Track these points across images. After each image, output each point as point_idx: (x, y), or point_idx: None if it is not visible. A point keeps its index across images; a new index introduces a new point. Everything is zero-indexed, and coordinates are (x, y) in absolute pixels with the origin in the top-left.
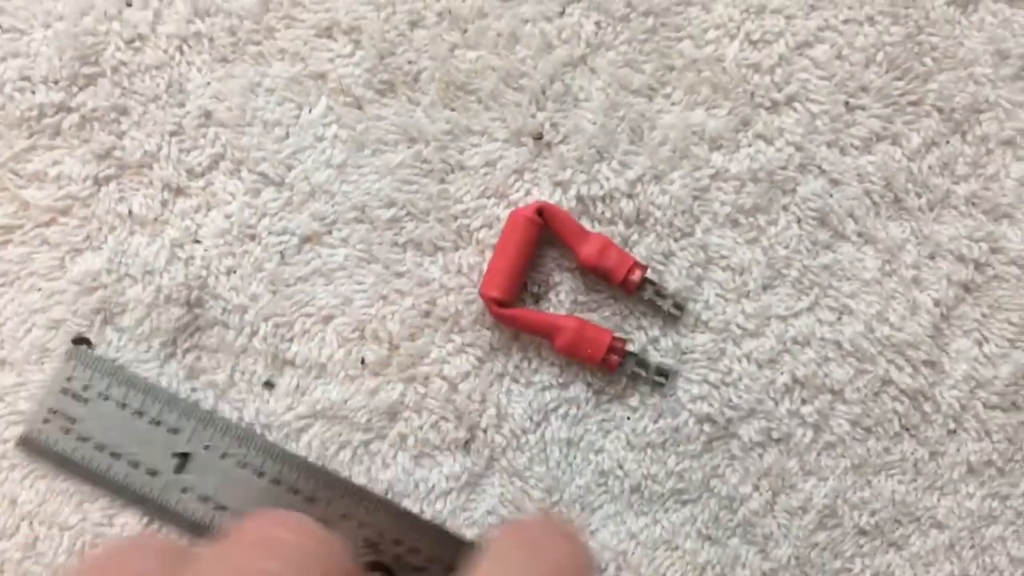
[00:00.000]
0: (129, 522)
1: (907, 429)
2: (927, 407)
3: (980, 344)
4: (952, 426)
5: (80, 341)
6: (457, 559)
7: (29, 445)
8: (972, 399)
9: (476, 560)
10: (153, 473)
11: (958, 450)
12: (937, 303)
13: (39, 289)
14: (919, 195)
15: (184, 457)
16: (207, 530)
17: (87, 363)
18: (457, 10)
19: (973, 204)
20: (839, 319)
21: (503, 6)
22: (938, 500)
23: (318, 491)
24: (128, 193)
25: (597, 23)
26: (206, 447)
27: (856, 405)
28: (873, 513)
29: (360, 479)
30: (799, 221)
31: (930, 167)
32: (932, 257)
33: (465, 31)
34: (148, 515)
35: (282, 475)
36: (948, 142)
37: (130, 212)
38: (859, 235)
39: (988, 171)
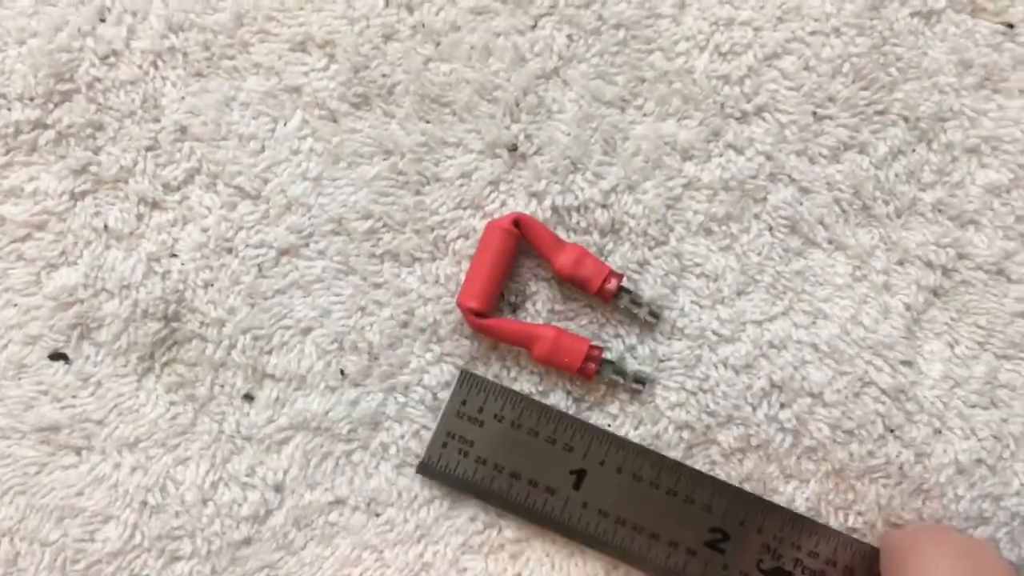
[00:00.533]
0: (111, 537)
1: (891, 430)
2: (910, 406)
3: (952, 346)
4: (937, 425)
5: (57, 356)
6: (854, 561)
7: (428, 470)
8: (953, 398)
9: (897, 568)
10: (552, 491)
11: (944, 451)
12: (908, 307)
13: (15, 304)
14: (887, 202)
15: (580, 474)
16: (607, 545)
17: (481, 387)
18: (431, 24)
19: (939, 211)
20: (814, 323)
21: (476, 20)
22: (923, 503)
23: (714, 500)
24: (104, 208)
25: (569, 36)
26: (601, 463)
27: (836, 407)
28: (860, 514)
29: (342, 490)
30: (771, 229)
31: (897, 175)
32: (901, 263)
33: (439, 44)
34: (554, 532)
35: (677, 487)
36: (914, 150)
37: (106, 226)
38: (829, 242)
39: (954, 178)
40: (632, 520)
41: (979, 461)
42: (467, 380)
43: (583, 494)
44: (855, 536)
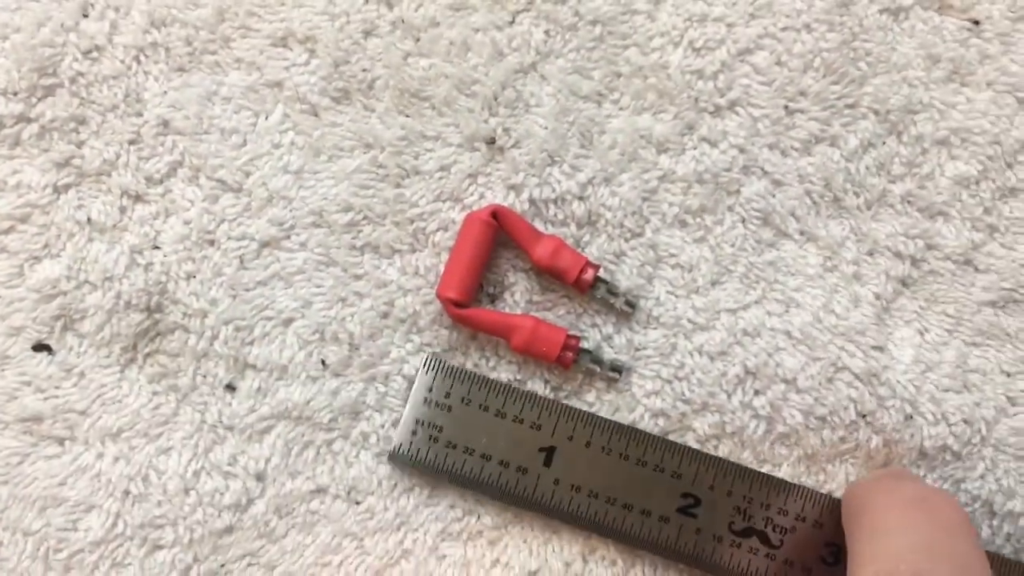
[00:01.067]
0: (93, 527)
1: (863, 416)
2: (882, 391)
3: (922, 333)
4: (909, 411)
5: (40, 348)
6: (823, 516)
7: (399, 459)
8: (925, 382)
9: (854, 519)
10: (523, 471)
11: (912, 436)
12: (878, 296)
13: None
14: (857, 194)
15: (550, 451)
16: (582, 519)
17: (447, 372)
18: (410, 19)
19: (909, 202)
20: (787, 311)
21: (455, 15)
22: None
23: (683, 467)
24: (87, 201)
25: (546, 32)
26: (569, 438)
27: (810, 393)
28: (830, 493)
29: (323, 479)
30: (744, 221)
31: (867, 167)
32: (871, 254)
33: (418, 40)
34: (529, 511)
35: (646, 456)
36: (884, 143)
37: (89, 219)
38: (801, 233)
39: (923, 170)
40: (604, 493)
41: (944, 447)
42: (433, 365)
43: (554, 471)
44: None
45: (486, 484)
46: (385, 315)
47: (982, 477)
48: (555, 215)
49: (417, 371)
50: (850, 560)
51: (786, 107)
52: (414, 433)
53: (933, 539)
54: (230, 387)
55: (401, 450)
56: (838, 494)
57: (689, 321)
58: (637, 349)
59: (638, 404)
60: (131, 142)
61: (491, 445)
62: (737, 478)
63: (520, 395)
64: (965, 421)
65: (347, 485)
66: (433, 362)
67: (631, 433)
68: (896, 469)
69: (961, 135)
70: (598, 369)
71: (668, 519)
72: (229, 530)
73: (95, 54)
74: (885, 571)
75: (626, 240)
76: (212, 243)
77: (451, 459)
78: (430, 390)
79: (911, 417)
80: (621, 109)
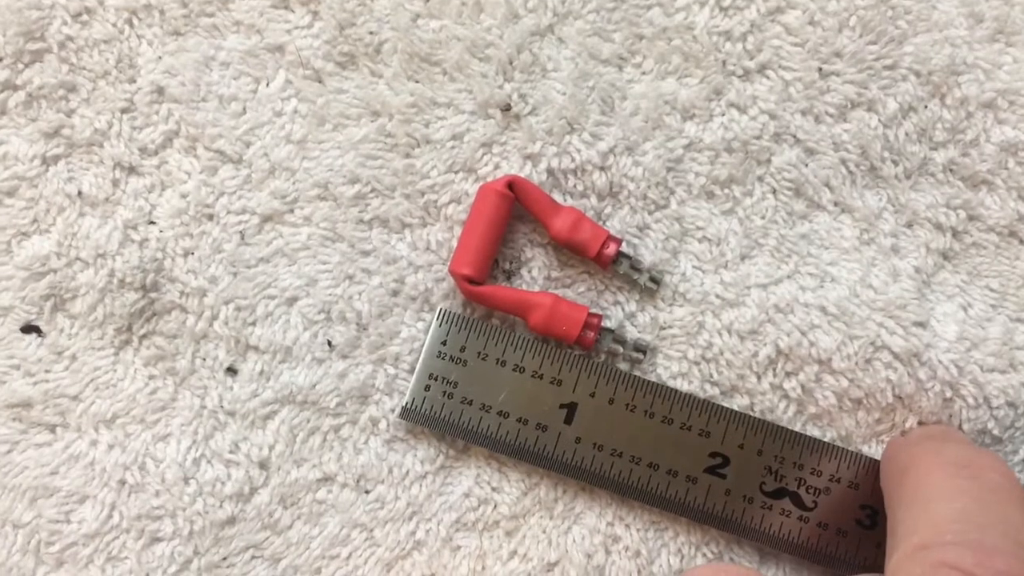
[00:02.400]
0: (87, 518)
1: (900, 399)
2: (922, 373)
3: (965, 308)
4: (949, 394)
5: (29, 329)
6: (859, 476)
7: (412, 415)
8: (968, 362)
9: (895, 482)
10: (543, 428)
11: (950, 418)
12: (917, 270)
13: None
14: (896, 163)
15: (571, 408)
16: (604, 479)
17: (461, 325)
18: None
19: (951, 171)
20: (821, 285)
21: None
22: None
23: (711, 426)
24: (78, 173)
25: None
26: (591, 395)
27: (845, 376)
28: None
29: (330, 466)
30: (775, 191)
31: (907, 134)
32: (910, 225)
33: (428, 0)
34: (544, 478)
35: (672, 414)
36: (926, 106)
37: (80, 192)
38: (835, 204)
39: (967, 136)
40: (628, 451)
41: (983, 431)
42: (446, 319)
43: (575, 428)
44: None
45: (503, 442)
46: (395, 293)
47: None
48: (574, 186)
49: (430, 324)
50: (891, 528)
51: (820, 69)
52: (427, 388)
53: (980, 505)
54: (231, 370)
55: (414, 405)
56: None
57: (717, 297)
58: (662, 328)
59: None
60: (124, 110)
61: (509, 401)
62: (768, 436)
63: (540, 349)
64: (1009, 403)
65: (356, 473)
66: (446, 315)
67: (657, 389)
68: (940, 428)
69: (1008, 97)
70: (621, 349)
71: (696, 479)
72: (231, 521)
73: (85, 17)
74: (929, 543)
75: (650, 212)
76: (211, 217)
77: (466, 415)
78: (444, 343)
79: (951, 400)
80: (644, 73)
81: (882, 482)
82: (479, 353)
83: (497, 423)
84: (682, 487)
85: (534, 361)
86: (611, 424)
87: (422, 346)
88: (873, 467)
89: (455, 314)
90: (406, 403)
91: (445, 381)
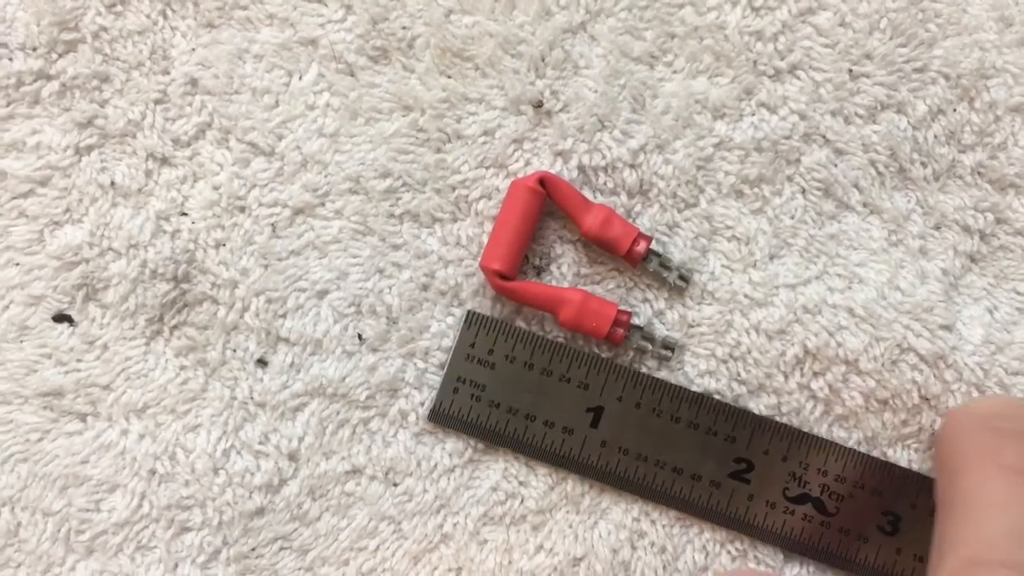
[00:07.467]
0: (117, 507)
1: (927, 399)
2: (948, 375)
3: (991, 311)
4: (975, 396)
5: (61, 319)
6: (883, 484)
7: (440, 418)
8: (994, 365)
9: (948, 477)
10: (569, 431)
11: None
12: (945, 272)
13: (17, 264)
14: (924, 165)
15: (598, 411)
16: (628, 482)
17: (489, 327)
18: None
19: (979, 174)
20: (849, 287)
21: None
22: None
23: (737, 431)
24: (111, 163)
25: None
26: (618, 399)
27: (871, 376)
28: None
29: (359, 459)
30: (804, 191)
31: (936, 136)
32: (938, 227)
33: None
34: (571, 473)
35: (698, 419)
36: (955, 109)
37: (113, 183)
38: (864, 205)
39: (996, 140)
40: (653, 456)
41: None
42: (474, 321)
43: (602, 432)
44: None
45: (530, 445)
46: (425, 287)
47: None
48: (605, 183)
49: (459, 324)
50: (939, 531)
51: (850, 71)
52: (455, 391)
53: None
54: (261, 362)
55: (442, 408)
56: None
57: (746, 296)
58: (690, 326)
59: (691, 384)
60: (157, 102)
61: (536, 404)
62: (794, 442)
63: (567, 352)
64: None
65: (384, 466)
66: (475, 318)
67: (683, 394)
68: (1001, 404)
69: None
70: (649, 347)
71: (719, 484)
72: (260, 512)
73: (119, 7)
74: (978, 559)
75: (680, 211)
76: (243, 210)
77: (494, 418)
78: (472, 346)
79: None
80: (675, 72)
81: (935, 464)
82: (507, 356)
83: (524, 426)
84: (705, 492)
85: (562, 364)
86: (637, 428)
87: (451, 346)
88: (898, 475)
89: (484, 316)
90: (434, 406)
91: (473, 384)
